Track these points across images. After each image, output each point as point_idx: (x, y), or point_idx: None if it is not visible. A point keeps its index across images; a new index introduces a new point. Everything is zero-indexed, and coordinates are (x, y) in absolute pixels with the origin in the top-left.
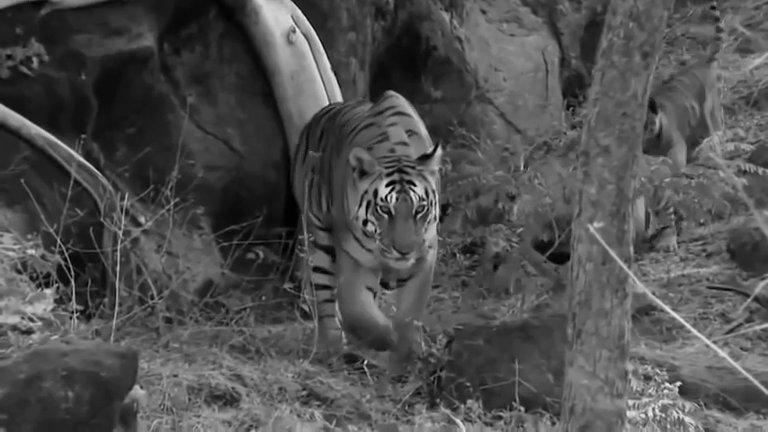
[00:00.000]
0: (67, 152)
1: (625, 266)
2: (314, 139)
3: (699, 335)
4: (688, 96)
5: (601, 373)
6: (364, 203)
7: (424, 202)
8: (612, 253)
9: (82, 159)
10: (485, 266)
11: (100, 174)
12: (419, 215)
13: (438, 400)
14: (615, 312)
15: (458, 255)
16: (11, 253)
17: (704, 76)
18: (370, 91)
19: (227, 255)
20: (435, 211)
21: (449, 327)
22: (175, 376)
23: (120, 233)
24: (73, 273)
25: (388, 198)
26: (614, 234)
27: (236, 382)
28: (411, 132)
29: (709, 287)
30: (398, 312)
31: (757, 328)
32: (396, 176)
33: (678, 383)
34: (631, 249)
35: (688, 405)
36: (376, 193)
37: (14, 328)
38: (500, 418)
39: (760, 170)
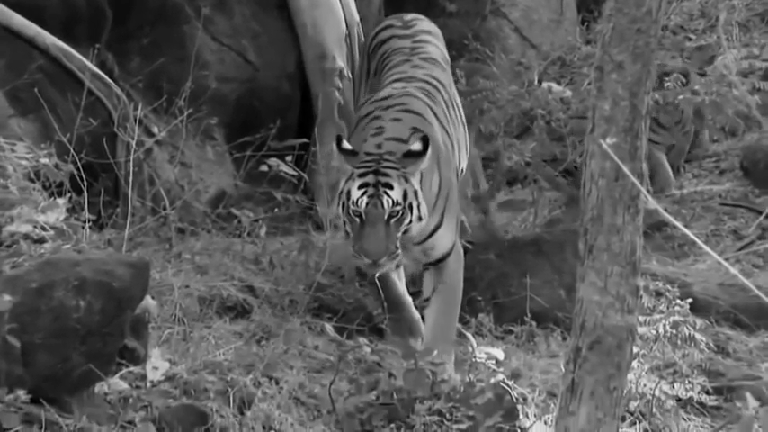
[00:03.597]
0: (82, 62)
1: (637, 182)
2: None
3: (710, 252)
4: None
5: (612, 288)
6: (340, 203)
7: (398, 207)
8: (625, 168)
9: (96, 69)
10: (497, 180)
11: (114, 84)
12: (393, 219)
13: None
14: (627, 228)
15: None
16: (24, 162)
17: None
18: (385, 4)
19: (240, 166)
20: (419, 213)
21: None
22: (187, 287)
23: (134, 143)
24: (86, 182)
25: (359, 202)
26: (627, 150)
27: (247, 293)
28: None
29: (722, 204)
30: (425, 341)
31: None
32: (370, 178)
33: (689, 300)
34: (644, 165)
35: (699, 322)
36: (349, 194)
37: (27, 236)
38: (511, 332)
39: None
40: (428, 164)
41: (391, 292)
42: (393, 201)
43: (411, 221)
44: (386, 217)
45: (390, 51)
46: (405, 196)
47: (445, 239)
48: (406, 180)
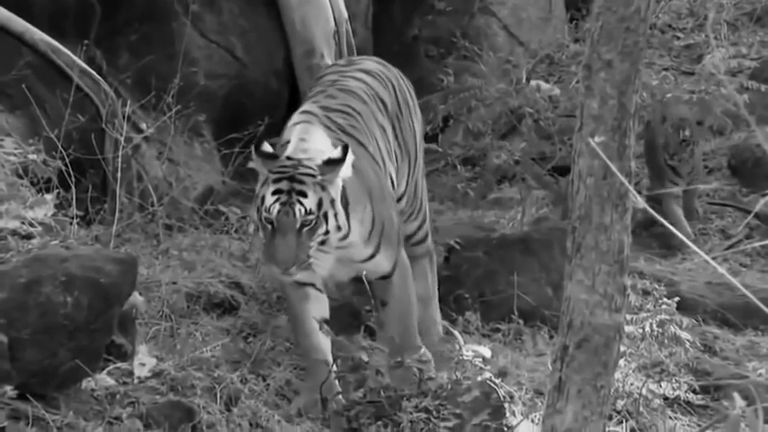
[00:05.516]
0: (70, 58)
1: (626, 181)
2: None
3: (698, 251)
4: None
5: (599, 287)
6: (255, 207)
7: (311, 216)
8: (613, 167)
9: (84, 65)
10: (486, 179)
11: (102, 80)
12: (305, 228)
13: None
14: (615, 227)
15: (459, 166)
16: (12, 158)
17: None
18: (373, 2)
19: (228, 163)
20: (337, 223)
21: (448, 239)
22: (174, 283)
23: (122, 139)
24: (74, 178)
25: (271, 209)
26: (615, 148)
27: (234, 290)
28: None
29: (710, 203)
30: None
31: (757, 244)
32: (283, 185)
33: (676, 299)
34: (632, 164)
35: (686, 320)
36: (263, 200)
37: (14, 232)
38: (498, 330)
39: (762, 87)
40: (359, 194)
41: (307, 338)
42: (306, 209)
43: (328, 231)
44: (297, 226)
45: (317, 85)
46: (320, 205)
47: (384, 263)
48: (323, 188)
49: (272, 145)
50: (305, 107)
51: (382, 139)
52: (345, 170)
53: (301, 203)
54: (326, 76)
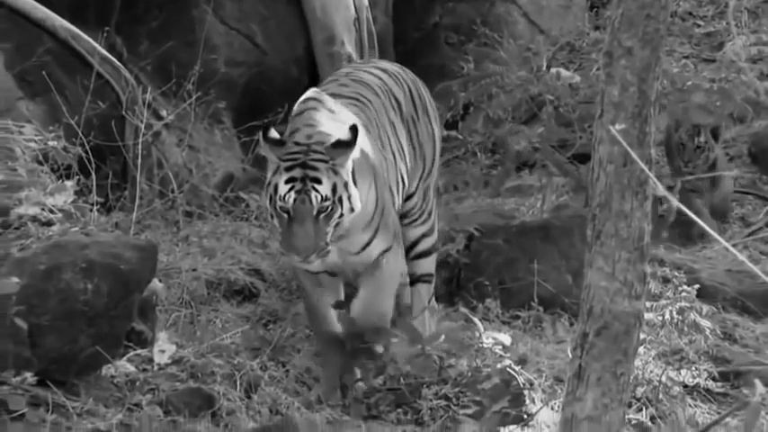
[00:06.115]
0: (90, 45)
1: (646, 168)
2: None
3: (718, 238)
4: None
5: (620, 274)
6: (267, 196)
7: (328, 203)
8: (634, 154)
9: (105, 52)
10: (505, 166)
11: (122, 67)
12: (322, 215)
13: (456, 300)
14: (635, 214)
15: (479, 154)
16: (32, 144)
17: None
18: None
19: (249, 150)
20: (351, 205)
21: (468, 226)
22: (194, 270)
23: (142, 126)
24: (94, 165)
25: (287, 197)
26: (636, 136)
27: (254, 277)
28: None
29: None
30: (354, 313)
31: None
32: (297, 172)
33: (696, 286)
34: (653, 151)
35: (706, 308)
36: (276, 188)
37: (35, 219)
38: (518, 317)
39: None
40: (364, 174)
41: (324, 325)
42: (322, 196)
43: (342, 214)
44: (314, 213)
45: (331, 76)
46: (334, 190)
47: (380, 245)
48: (335, 173)
49: (281, 133)
50: (309, 94)
51: (393, 135)
52: (356, 152)
53: (317, 190)
54: (342, 69)
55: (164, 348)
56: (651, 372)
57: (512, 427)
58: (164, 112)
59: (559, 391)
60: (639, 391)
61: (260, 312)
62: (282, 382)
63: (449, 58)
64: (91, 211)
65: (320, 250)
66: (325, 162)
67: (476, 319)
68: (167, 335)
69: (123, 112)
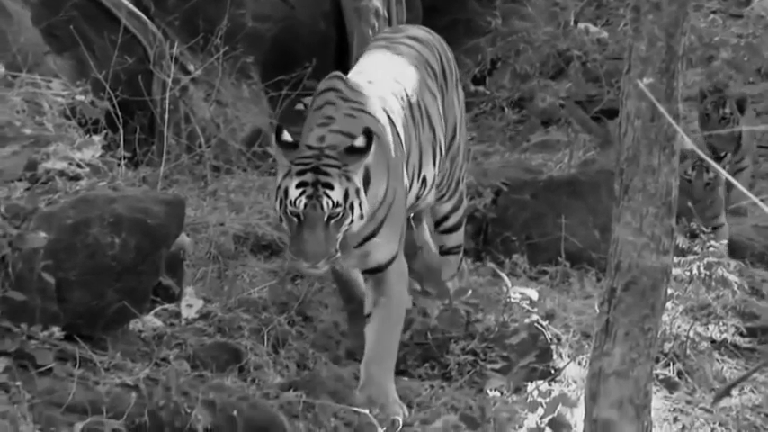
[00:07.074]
0: None
1: (674, 123)
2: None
3: (747, 192)
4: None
5: (647, 229)
6: (278, 200)
7: (339, 209)
8: (662, 109)
9: (132, 7)
10: (531, 121)
11: (150, 21)
12: (333, 221)
13: (483, 255)
14: (662, 169)
15: (506, 109)
16: (60, 99)
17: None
18: None
19: (276, 105)
20: (361, 212)
21: (496, 181)
22: (222, 225)
23: (170, 81)
24: (121, 120)
25: (297, 202)
26: (663, 91)
27: (282, 231)
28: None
29: (759, 146)
30: (364, 361)
31: None
32: (308, 177)
33: (724, 241)
34: (680, 106)
35: (733, 263)
36: (287, 192)
37: (62, 173)
38: (545, 272)
39: None
40: (379, 169)
41: (350, 283)
42: (333, 202)
43: (353, 221)
44: (325, 219)
45: (367, 51)
46: (346, 196)
47: (382, 249)
48: (348, 179)
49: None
50: (328, 83)
51: (433, 105)
52: (369, 158)
53: (328, 196)
54: (376, 43)
55: (191, 303)
56: (678, 327)
57: (539, 381)
58: (191, 67)
59: (587, 346)
60: (667, 346)
61: (287, 267)
62: (309, 337)
63: (476, 13)
64: (118, 165)
65: (329, 257)
66: (338, 168)
67: (503, 275)
68: (194, 290)
69: (150, 67)
